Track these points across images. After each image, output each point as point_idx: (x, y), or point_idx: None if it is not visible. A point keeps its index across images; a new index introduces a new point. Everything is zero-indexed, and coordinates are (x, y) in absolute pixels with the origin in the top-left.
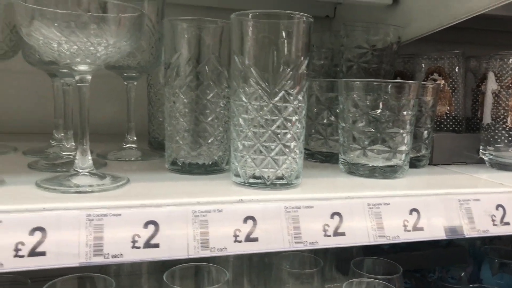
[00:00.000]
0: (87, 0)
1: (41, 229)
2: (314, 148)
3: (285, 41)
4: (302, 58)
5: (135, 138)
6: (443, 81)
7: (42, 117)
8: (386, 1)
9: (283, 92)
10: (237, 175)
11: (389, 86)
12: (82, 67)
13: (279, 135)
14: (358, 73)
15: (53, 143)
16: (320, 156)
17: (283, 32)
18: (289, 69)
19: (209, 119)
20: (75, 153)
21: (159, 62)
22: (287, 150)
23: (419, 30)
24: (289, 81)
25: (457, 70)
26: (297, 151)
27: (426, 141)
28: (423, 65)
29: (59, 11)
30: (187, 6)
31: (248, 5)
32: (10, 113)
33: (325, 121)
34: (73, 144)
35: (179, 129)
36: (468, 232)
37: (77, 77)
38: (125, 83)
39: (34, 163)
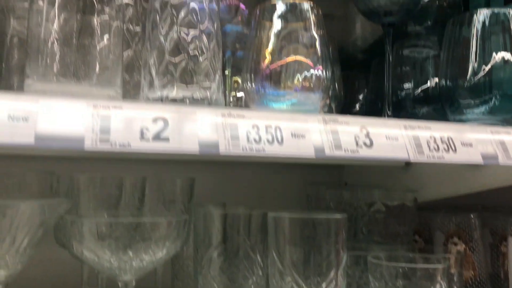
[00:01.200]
0: (143, 226)
1: None
2: None
3: (322, 241)
4: (341, 254)
5: None
6: (463, 245)
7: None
8: (398, 164)
9: None
10: None
11: (419, 272)
12: (128, 278)
13: None
14: (379, 235)
15: None
16: None
17: (320, 233)
18: (327, 267)
19: None
20: None
21: (188, 240)
22: None
23: (434, 195)
24: (330, 282)
25: (475, 231)
26: None
27: None
28: (440, 225)
29: (105, 223)
30: (205, 162)
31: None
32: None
33: None
34: None
35: None
36: None
37: (120, 284)
38: None
39: None
